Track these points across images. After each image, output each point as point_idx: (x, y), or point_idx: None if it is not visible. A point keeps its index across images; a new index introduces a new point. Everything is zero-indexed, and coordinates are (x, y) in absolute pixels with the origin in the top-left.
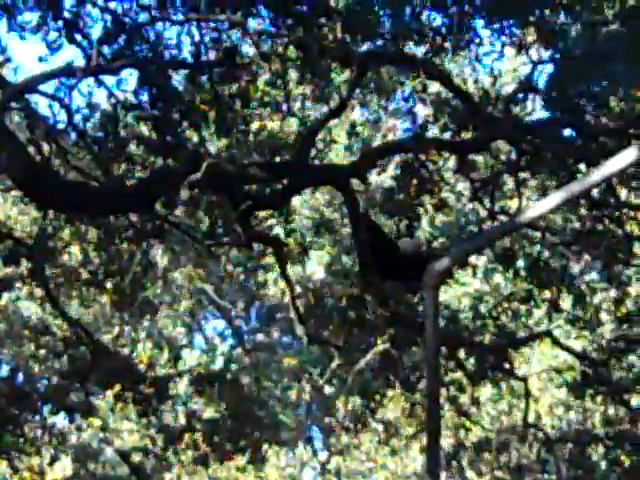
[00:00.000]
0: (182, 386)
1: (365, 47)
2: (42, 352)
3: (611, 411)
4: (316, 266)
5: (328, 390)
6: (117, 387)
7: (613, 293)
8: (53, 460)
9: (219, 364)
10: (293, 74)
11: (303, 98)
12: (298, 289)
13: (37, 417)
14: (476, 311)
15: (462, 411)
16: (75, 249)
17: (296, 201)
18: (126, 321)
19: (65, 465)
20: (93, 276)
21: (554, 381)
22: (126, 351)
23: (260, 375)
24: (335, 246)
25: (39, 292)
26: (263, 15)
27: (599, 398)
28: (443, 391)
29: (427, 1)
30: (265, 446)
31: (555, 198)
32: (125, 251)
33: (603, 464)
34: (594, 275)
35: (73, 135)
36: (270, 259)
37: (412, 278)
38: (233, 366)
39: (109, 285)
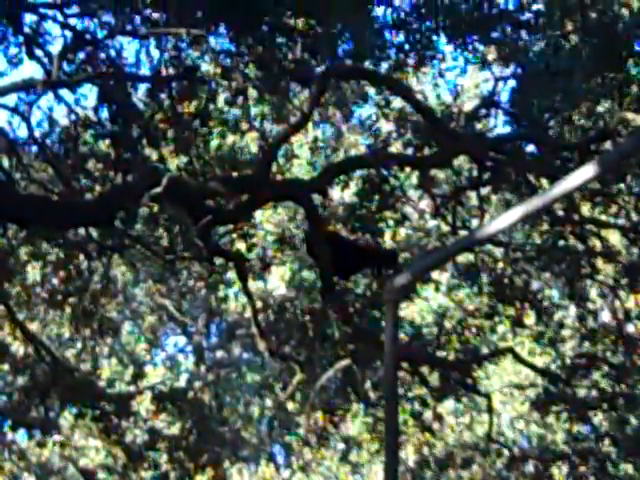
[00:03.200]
0: (144, 403)
1: (325, 65)
2: (2, 368)
3: (575, 428)
4: (277, 282)
5: (290, 406)
6: (77, 404)
7: (575, 309)
8: (15, 478)
9: (182, 381)
10: (253, 92)
11: (262, 116)
12: (259, 304)
13: None
14: (440, 327)
15: (425, 427)
16: (34, 266)
17: (258, 216)
18: (87, 338)
19: None
20: (53, 293)
21: (514, 396)
22: (88, 368)
23: (221, 392)
24: (296, 261)
25: None
26: (223, 33)
27: (563, 415)
28: (406, 406)
29: (389, 18)
30: (227, 463)
31: (516, 213)
32: (85, 267)
33: None
34: (556, 291)
35: (34, 149)
36: (231, 274)
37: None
38: (196, 383)
39: (69, 302)
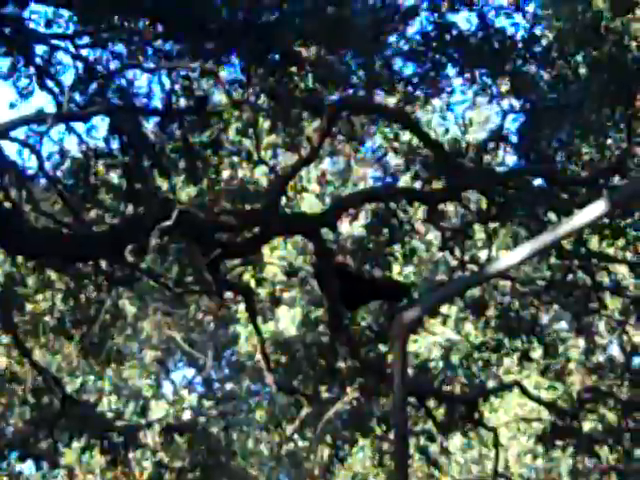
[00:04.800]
0: (150, 436)
1: (336, 96)
2: (9, 400)
3: (581, 464)
4: (287, 322)
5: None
6: (84, 436)
7: (583, 343)
8: None
9: (186, 416)
10: (264, 123)
11: (274, 147)
12: (271, 347)
13: (4, 464)
14: (447, 360)
15: (432, 461)
16: (42, 297)
17: (267, 250)
18: (92, 370)
19: None
20: (60, 324)
21: (520, 430)
22: (93, 400)
23: (229, 425)
24: (304, 296)
25: (6, 339)
26: (235, 64)
27: (569, 449)
28: (413, 440)
29: (400, 51)
30: None
31: (525, 249)
32: (94, 299)
33: None
34: (563, 325)
35: (43, 181)
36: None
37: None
38: (201, 418)
39: (77, 333)
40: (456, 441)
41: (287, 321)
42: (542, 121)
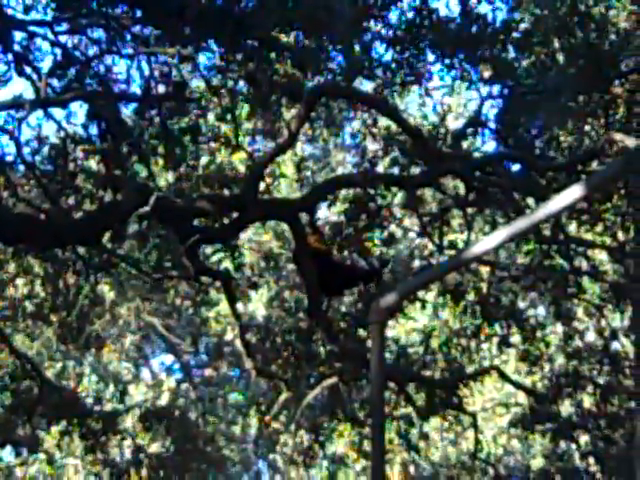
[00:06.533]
0: (129, 421)
1: (315, 82)
2: None
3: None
4: (257, 303)
5: (275, 424)
6: (63, 421)
7: (561, 328)
8: None
9: (165, 400)
10: (243, 109)
11: (253, 132)
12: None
13: None
14: (426, 346)
15: (411, 446)
16: (21, 282)
17: (244, 235)
18: (71, 356)
19: None
20: (39, 309)
21: (495, 412)
22: (72, 385)
23: (207, 410)
24: (279, 281)
25: None
26: (213, 50)
27: (548, 434)
28: (393, 425)
29: (380, 36)
30: None
31: (502, 234)
32: (72, 284)
33: None
34: (542, 310)
35: (21, 167)
36: (215, 294)
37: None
38: (180, 401)
39: (56, 318)
40: (434, 424)
41: (257, 302)
42: (520, 107)
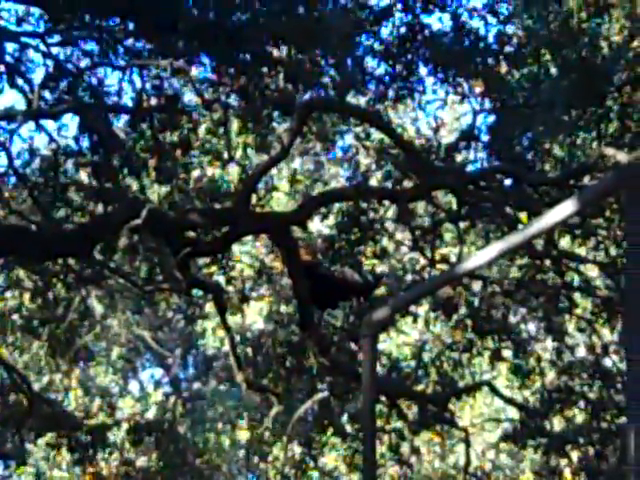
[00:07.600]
0: (119, 434)
1: (307, 95)
2: None
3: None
4: (255, 316)
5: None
6: (52, 434)
7: (553, 343)
8: None
9: (152, 413)
10: (235, 123)
11: (245, 147)
12: (237, 338)
13: None
14: (418, 360)
15: (403, 461)
16: (10, 295)
17: (236, 248)
18: (59, 369)
19: None
20: (28, 322)
21: (485, 428)
22: (59, 398)
23: (196, 423)
24: (274, 295)
25: None
26: (205, 63)
27: (540, 450)
28: (385, 439)
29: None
30: None
31: (495, 249)
32: (62, 297)
33: None
34: (533, 325)
35: (13, 179)
36: (209, 307)
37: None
38: (168, 415)
39: (45, 332)
40: (423, 437)
41: (254, 315)
42: (513, 121)
